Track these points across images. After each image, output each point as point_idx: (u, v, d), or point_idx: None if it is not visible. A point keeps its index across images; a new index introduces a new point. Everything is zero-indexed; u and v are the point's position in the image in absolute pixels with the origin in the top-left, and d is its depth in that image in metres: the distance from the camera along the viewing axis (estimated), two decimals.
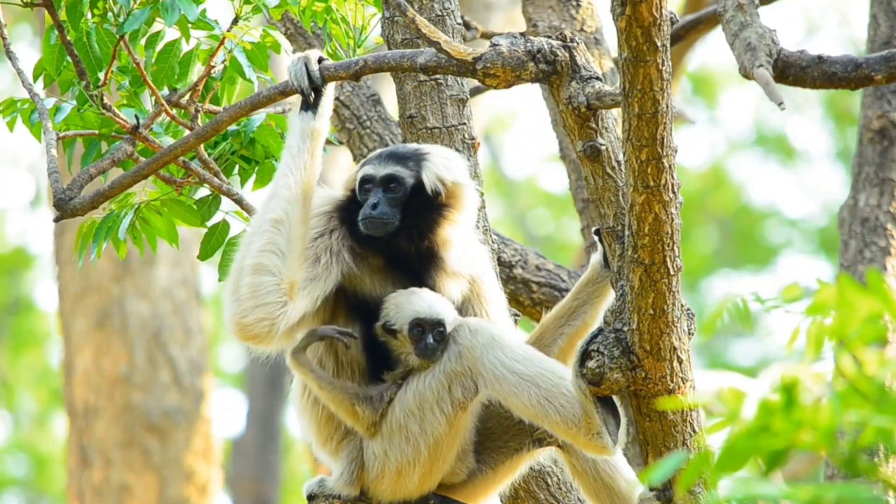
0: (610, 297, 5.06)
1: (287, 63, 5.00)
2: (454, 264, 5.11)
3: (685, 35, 7.91)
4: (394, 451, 5.01)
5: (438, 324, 4.96)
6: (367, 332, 5.05)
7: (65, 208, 5.14)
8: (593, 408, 4.84)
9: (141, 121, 5.30)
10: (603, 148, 4.80)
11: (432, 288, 5.09)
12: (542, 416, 4.88)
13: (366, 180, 5.03)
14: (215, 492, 10.27)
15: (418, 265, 5.08)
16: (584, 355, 4.82)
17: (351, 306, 5.04)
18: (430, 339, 4.96)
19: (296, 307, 4.87)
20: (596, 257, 5.08)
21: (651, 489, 4.92)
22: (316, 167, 4.96)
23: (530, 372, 4.87)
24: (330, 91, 5.01)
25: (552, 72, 4.80)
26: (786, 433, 3.00)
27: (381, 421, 5.02)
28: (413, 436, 4.99)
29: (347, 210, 5.04)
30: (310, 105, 4.98)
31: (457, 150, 5.56)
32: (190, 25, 5.21)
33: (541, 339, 5.16)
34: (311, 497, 5.18)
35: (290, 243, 4.87)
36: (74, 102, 5.33)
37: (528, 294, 6.86)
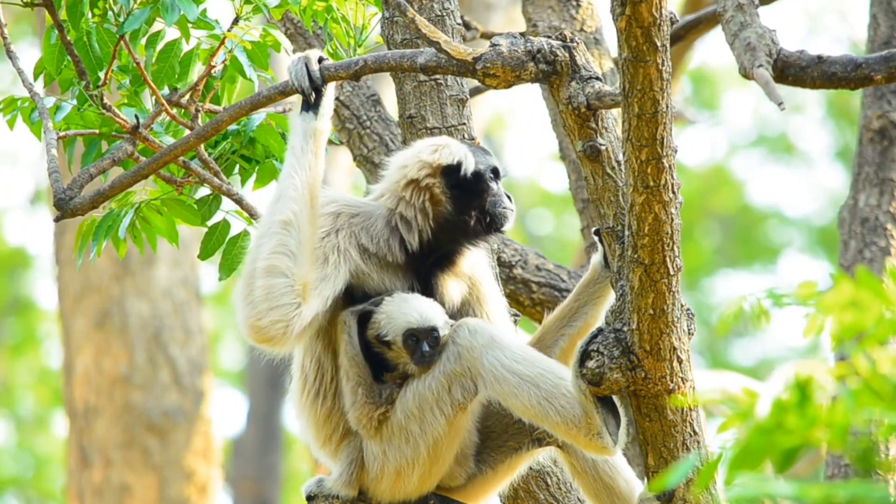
0: (611, 298, 5.06)
1: (287, 63, 5.00)
2: (464, 265, 5.14)
3: (685, 35, 7.90)
4: (393, 452, 5.01)
5: (432, 331, 4.96)
6: (367, 331, 5.06)
7: (65, 208, 5.13)
8: (593, 408, 4.84)
9: (141, 120, 5.30)
10: (603, 148, 4.80)
11: (435, 287, 5.10)
12: (542, 416, 4.88)
13: (497, 173, 5.10)
14: (215, 492, 10.27)
15: (433, 265, 5.10)
16: (584, 355, 4.82)
17: (352, 305, 5.05)
18: (426, 347, 4.97)
19: (309, 308, 4.88)
20: (596, 258, 5.09)
21: (651, 489, 4.92)
22: (320, 167, 4.97)
23: (530, 372, 4.87)
24: (330, 91, 5.01)
25: (552, 72, 4.80)
26: (800, 430, 3.00)
27: (381, 421, 5.02)
28: (413, 437, 4.99)
29: (455, 191, 5.06)
30: (311, 105, 4.98)
31: None
32: (190, 25, 5.21)
33: (542, 339, 5.17)
34: (310, 497, 5.18)
35: (301, 244, 4.87)
36: (75, 102, 5.33)
37: (528, 294, 6.86)
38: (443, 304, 5.10)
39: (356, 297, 5.04)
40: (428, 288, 5.10)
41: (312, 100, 4.97)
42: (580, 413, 4.85)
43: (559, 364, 4.95)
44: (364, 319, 5.04)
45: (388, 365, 5.06)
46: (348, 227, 5.03)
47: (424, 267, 5.10)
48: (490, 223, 5.11)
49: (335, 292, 4.96)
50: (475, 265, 5.20)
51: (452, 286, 5.14)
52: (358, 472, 5.08)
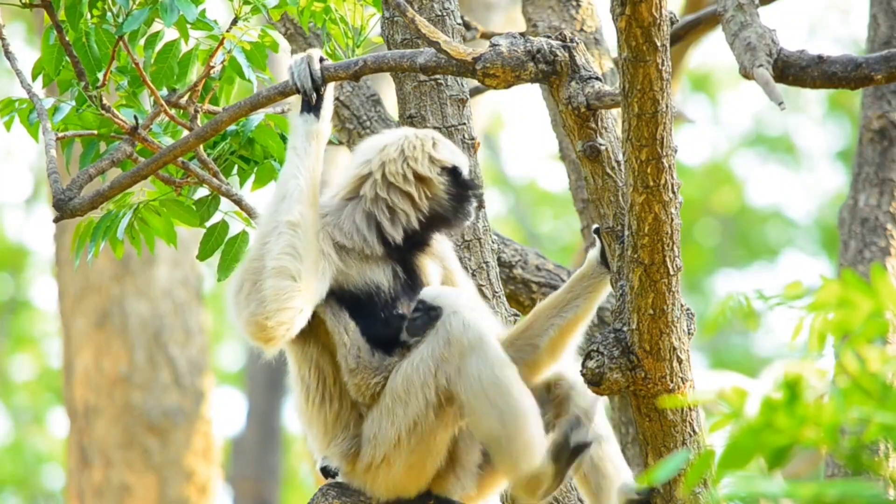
0: (604, 293, 5.08)
1: (289, 63, 4.99)
2: (435, 246, 5.17)
3: (685, 35, 7.90)
4: (382, 435, 5.02)
5: (427, 307, 5.04)
6: (361, 326, 5.07)
7: (64, 209, 5.13)
8: (550, 470, 4.88)
9: (140, 121, 5.29)
10: (602, 148, 4.80)
11: (416, 271, 5.13)
12: (496, 449, 4.93)
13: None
14: (215, 492, 10.27)
15: (408, 249, 5.11)
16: (584, 356, 4.83)
17: (340, 302, 5.05)
18: (416, 315, 5.03)
19: (306, 312, 4.91)
20: (593, 253, 5.08)
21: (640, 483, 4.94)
22: (320, 169, 4.98)
23: (503, 405, 4.89)
24: (330, 91, 5.01)
25: (552, 72, 4.79)
26: (789, 430, 3.01)
27: (374, 400, 5.04)
28: (397, 420, 5.00)
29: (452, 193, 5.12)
30: (311, 106, 4.97)
31: None
32: (189, 26, 5.21)
33: (532, 326, 5.15)
34: (325, 469, 5.20)
35: (307, 247, 4.89)
36: (73, 103, 5.32)
37: (527, 294, 6.86)
38: (425, 285, 5.14)
39: (338, 295, 5.05)
40: (409, 272, 5.11)
41: (313, 101, 4.96)
42: (533, 467, 4.90)
43: (531, 400, 4.95)
44: (355, 303, 5.06)
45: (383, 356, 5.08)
46: (322, 228, 5.04)
47: (402, 252, 5.12)
48: (464, 218, 5.17)
49: (321, 295, 4.98)
50: (440, 245, 5.24)
51: (431, 267, 5.17)
52: (356, 450, 5.09)
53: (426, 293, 5.07)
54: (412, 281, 5.13)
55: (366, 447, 5.06)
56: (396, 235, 5.08)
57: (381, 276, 5.07)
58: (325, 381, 5.09)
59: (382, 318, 5.06)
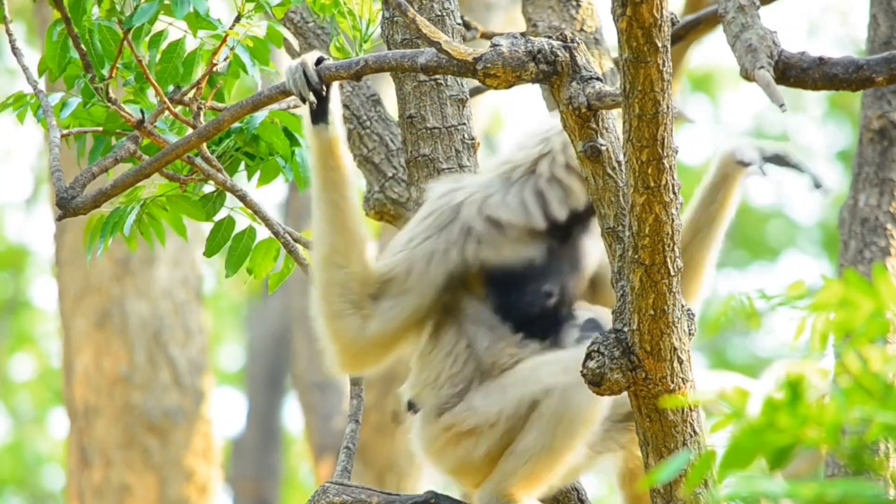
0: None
1: (284, 69, 4.96)
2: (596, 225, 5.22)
3: (685, 35, 7.90)
4: (485, 407, 5.06)
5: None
6: (502, 299, 5.10)
7: (67, 207, 5.13)
8: None
9: (146, 115, 5.29)
10: (603, 148, 4.80)
11: (577, 249, 5.18)
12: (514, 455, 5.01)
13: None
14: (215, 492, 10.27)
15: (568, 228, 5.17)
16: (584, 356, 4.83)
17: (488, 275, 5.09)
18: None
19: (379, 323, 5.01)
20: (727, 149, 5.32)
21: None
22: (345, 176, 4.97)
23: (558, 443, 4.98)
24: (335, 92, 4.96)
25: (552, 72, 4.79)
26: (791, 430, 3.01)
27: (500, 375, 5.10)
28: (505, 400, 5.02)
29: None
30: (318, 114, 4.95)
31: (457, 150, 5.57)
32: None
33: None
34: (410, 403, 5.23)
35: (350, 271, 4.97)
36: (80, 98, 5.31)
37: None
38: (582, 264, 5.18)
39: (487, 270, 5.09)
40: (567, 249, 5.15)
41: (317, 106, 4.93)
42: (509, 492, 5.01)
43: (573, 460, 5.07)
44: (506, 277, 5.08)
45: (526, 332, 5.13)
46: (478, 212, 5.07)
47: (562, 231, 5.16)
48: None
49: (420, 304, 5.02)
50: None
51: (590, 245, 5.20)
52: (445, 410, 5.10)
53: (599, 313, 5.13)
54: (569, 260, 5.17)
55: (459, 408, 5.08)
56: (561, 214, 5.13)
57: (534, 252, 5.10)
58: (457, 342, 5.12)
59: (530, 291, 5.09)
